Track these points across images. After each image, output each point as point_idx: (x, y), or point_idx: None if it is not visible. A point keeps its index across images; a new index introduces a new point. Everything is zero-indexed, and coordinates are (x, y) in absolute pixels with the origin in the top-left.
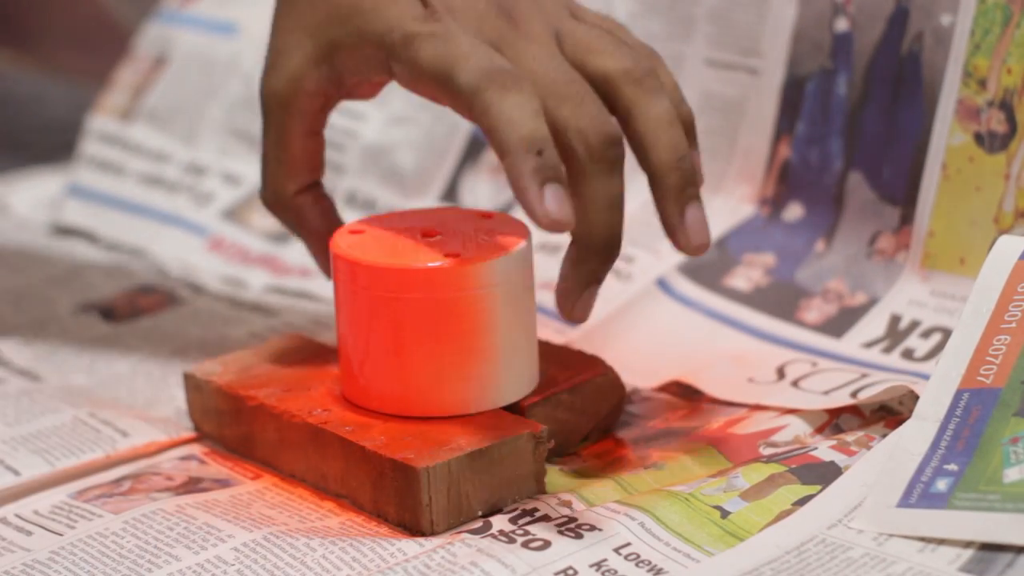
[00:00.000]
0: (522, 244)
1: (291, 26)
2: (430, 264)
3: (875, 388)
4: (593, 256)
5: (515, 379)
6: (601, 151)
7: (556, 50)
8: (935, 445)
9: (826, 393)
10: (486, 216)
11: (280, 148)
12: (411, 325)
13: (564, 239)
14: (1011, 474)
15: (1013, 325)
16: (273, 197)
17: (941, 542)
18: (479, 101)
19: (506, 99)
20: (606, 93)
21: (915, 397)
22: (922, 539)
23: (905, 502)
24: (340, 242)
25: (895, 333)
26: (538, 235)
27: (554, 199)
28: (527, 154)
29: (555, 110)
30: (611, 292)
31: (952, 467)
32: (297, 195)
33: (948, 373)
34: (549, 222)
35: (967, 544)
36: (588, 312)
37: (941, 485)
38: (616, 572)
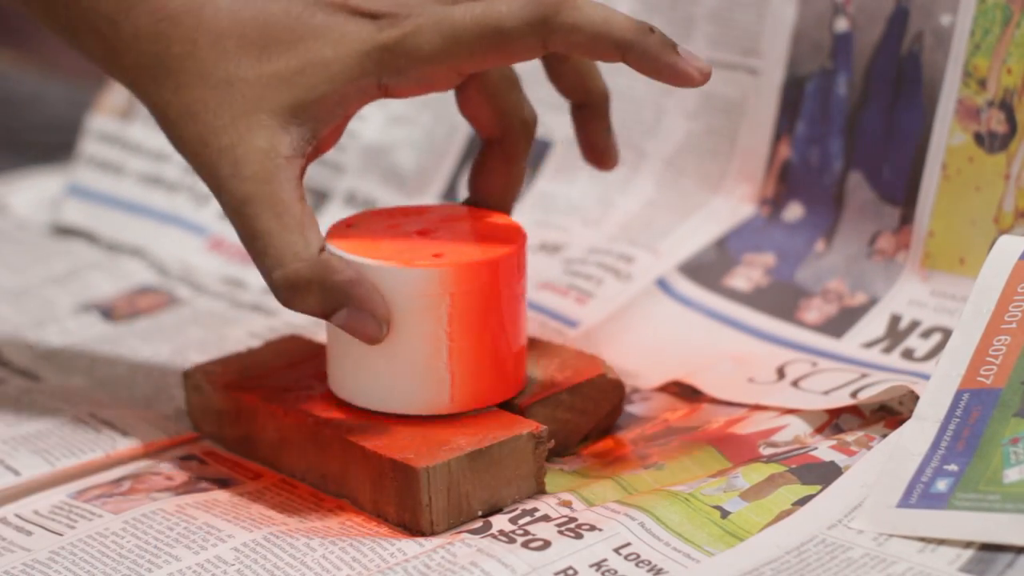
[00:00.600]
0: (516, 245)
1: (224, 123)
2: (422, 263)
3: (875, 388)
4: (608, 108)
5: (494, 383)
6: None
7: None
8: (935, 445)
9: (826, 393)
10: (483, 215)
11: (285, 218)
12: (411, 325)
13: (564, 239)
14: (1011, 474)
15: (1013, 325)
16: (303, 266)
17: (941, 542)
18: (559, 23)
19: (583, 11)
20: None
21: (915, 397)
22: (922, 539)
23: (905, 502)
24: (337, 231)
25: (895, 333)
26: (535, 236)
27: (693, 56)
28: (647, 35)
29: (634, 20)
30: (611, 292)
31: (952, 467)
32: (321, 253)
33: (948, 373)
34: (705, 75)
35: (967, 544)
36: (618, 152)
37: (941, 485)
38: (616, 572)
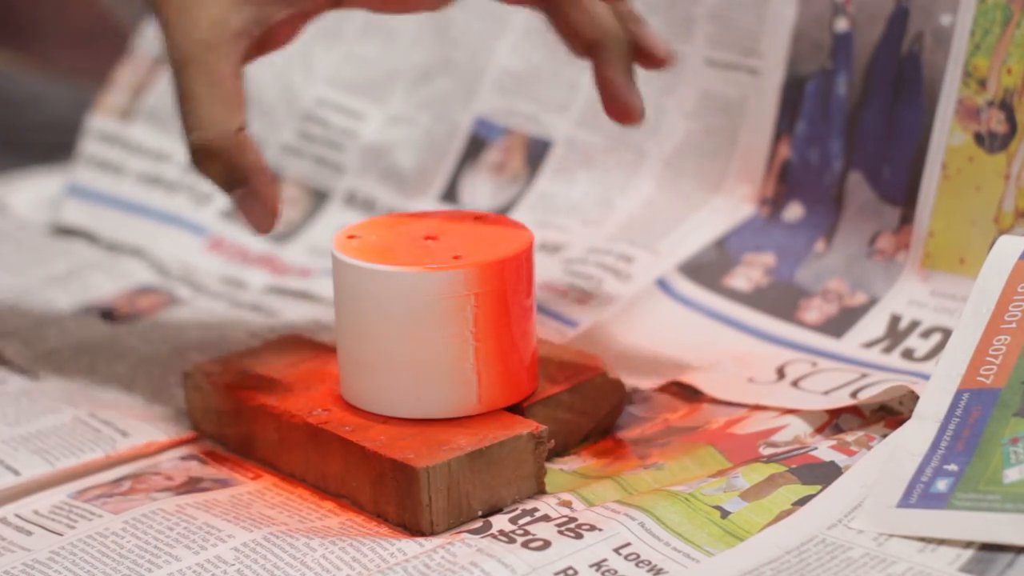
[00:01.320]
0: (524, 246)
1: None
2: (432, 266)
3: (875, 388)
4: (624, 49)
5: (516, 381)
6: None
7: None
8: (935, 445)
9: (826, 393)
10: (487, 218)
11: (215, 88)
12: (415, 327)
13: (564, 239)
14: (1011, 474)
15: (1013, 325)
16: (216, 136)
17: (941, 542)
18: None
19: None
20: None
21: (915, 397)
22: (922, 539)
23: (905, 502)
24: (341, 244)
25: (895, 333)
26: (538, 236)
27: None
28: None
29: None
30: (611, 292)
31: (952, 467)
32: (239, 132)
33: (948, 373)
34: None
35: (967, 544)
36: (642, 104)
37: (941, 485)
38: (616, 572)
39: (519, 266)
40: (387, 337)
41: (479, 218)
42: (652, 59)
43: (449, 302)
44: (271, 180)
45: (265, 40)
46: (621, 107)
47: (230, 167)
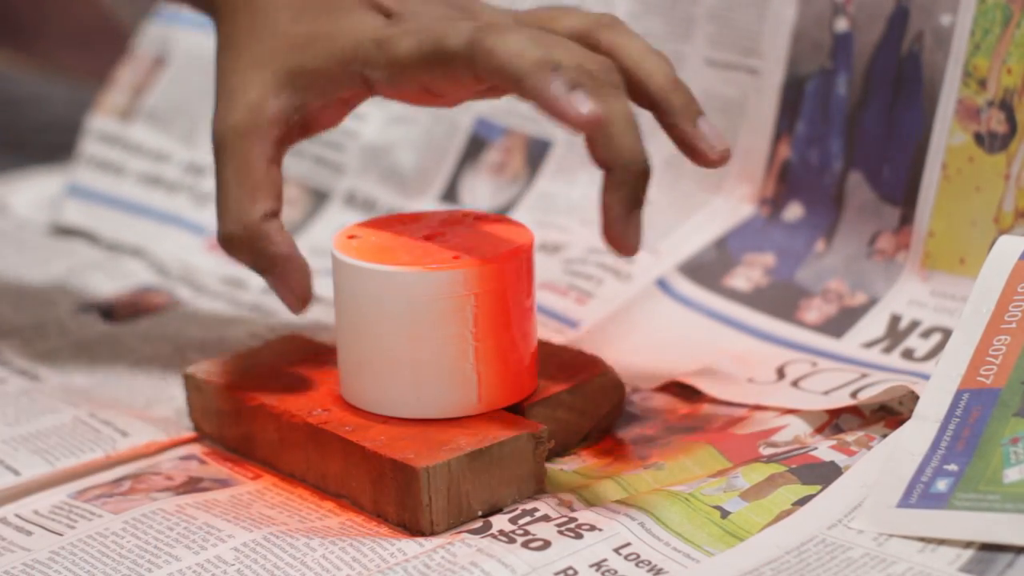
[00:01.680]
0: (524, 246)
1: (243, 66)
2: (432, 266)
3: (875, 388)
4: (630, 178)
5: (516, 381)
6: (606, 75)
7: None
8: (935, 445)
9: (826, 393)
10: (487, 218)
11: (243, 175)
12: (415, 327)
13: (564, 239)
14: (1011, 474)
15: (1013, 325)
16: (239, 226)
17: (941, 542)
18: (480, 48)
19: (507, 38)
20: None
21: (915, 397)
22: (922, 539)
23: (905, 502)
24: (341, 244)
25: (895, 333)
26: (537, 236)
27: (586, 100)
28: (544, 72)
29: (548, 54)
30: (611, 292)
31: (952, 467)
32: (264, 221)
33: (948, 373)
34: (585, 120)
35: (967, 544)
36: (639, 240)
37: (941, 485)
38: (616, 572)
39: (519, 266)
40: (387, 337)
41: (479, 218)
42: (703, 158)
43: (449, 302)
44: (299, 267)
45: (308, 125)
46: (613, 238)
47: (255, 255)
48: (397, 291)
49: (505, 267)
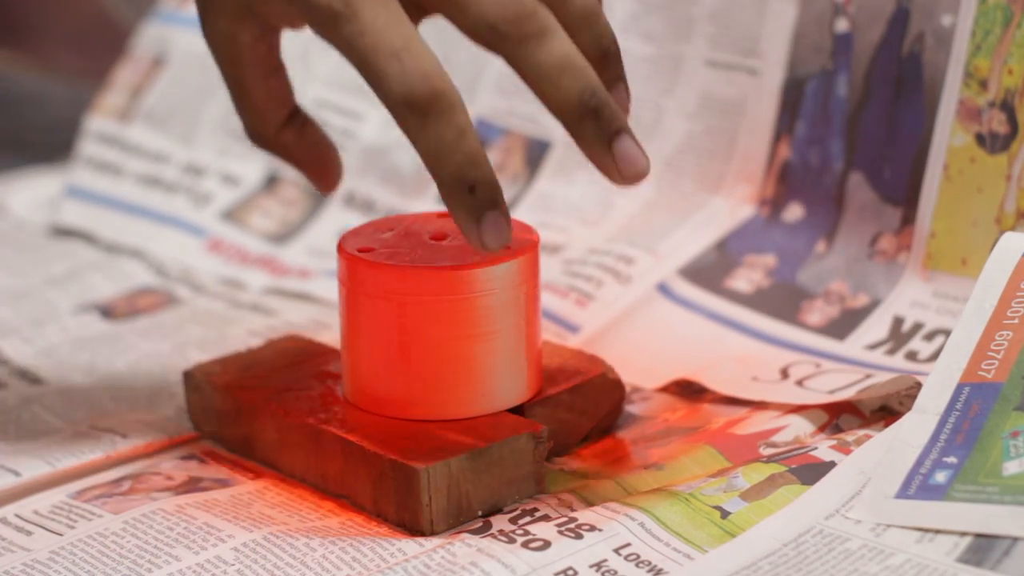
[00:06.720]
0: (531, 246)
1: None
2: (440, 266)
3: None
4: (585, 119)
5: (521, 383)
6: (517, 28)
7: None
8: (935, 438)
9: (831, 393)
10: None
11: (243, 97)
12: (419, 328)
13: (563, 240)
14: (1010, 467)
15: (1015, 321)
16: (256, 139)
17: (938, 532)
18: (408, 126)
19: (428, 124)
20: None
21: (916, 396)
22: (920, 530)
23: (903, 493)
24: (346, 244)
25: (898, 335)
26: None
27: (491, 229)
28: (461, 193)
29: (456, 19)
30: (611, 295)
31: (951, 459)
32: (279, 134)
33: (949, 367)
34: (489, 251)
35: (963, 534)
36: (638, 165)
37: (940, 477)
38: (616, 572)
39: (526, 266)
40: (388, 337)
41: None
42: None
43: (455, 302)
44: (321, 158)
45: (286, 26)
46: (615, 177)
47: (279, 160)
48: (405, 291)
49: (535, 259)
